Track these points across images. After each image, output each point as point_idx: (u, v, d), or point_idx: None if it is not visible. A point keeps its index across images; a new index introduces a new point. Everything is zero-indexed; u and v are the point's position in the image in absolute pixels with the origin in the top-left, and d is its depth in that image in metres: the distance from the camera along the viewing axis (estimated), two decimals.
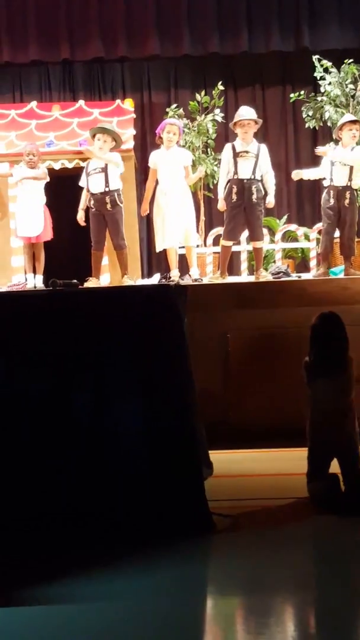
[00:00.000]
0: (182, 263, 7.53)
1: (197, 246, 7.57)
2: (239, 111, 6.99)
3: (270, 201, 6.91)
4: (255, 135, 6.98)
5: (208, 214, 9.34)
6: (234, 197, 6.71)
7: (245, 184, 6.71)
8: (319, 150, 7.21)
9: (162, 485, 3.85)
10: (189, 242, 7.10)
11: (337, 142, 7.13)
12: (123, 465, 3.87)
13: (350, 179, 6.81)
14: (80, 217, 7.16)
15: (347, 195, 6.79)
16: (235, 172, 6.72)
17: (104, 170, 7.01)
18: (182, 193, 7.03)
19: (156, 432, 3.88)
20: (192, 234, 7.10)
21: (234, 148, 6.79)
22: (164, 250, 7.21)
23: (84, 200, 7.14)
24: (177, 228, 6.97)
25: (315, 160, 8.38)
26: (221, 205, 6.92)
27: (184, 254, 7.40)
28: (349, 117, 7.22)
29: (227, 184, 6.78)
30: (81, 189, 7.18)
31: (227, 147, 6.89)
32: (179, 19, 10.04)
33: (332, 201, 6.77)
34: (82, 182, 7.17)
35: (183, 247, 7.24)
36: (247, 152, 6.74)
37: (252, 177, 6.73)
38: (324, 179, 6.92)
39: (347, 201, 6.80)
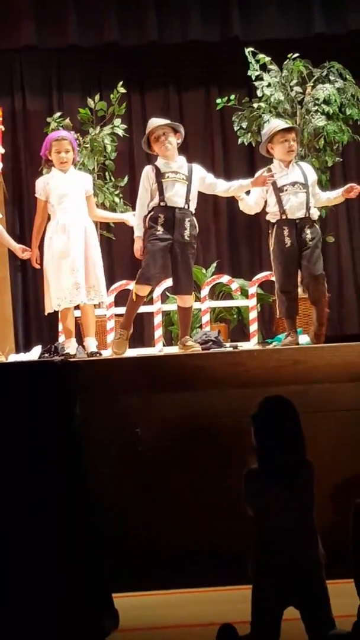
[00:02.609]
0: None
1: (97, 306, 7.55)
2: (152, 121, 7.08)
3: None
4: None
5: (107, 262, 9.38)
6: (159, 230, 6.78)
7: (177, 214, 6.82)
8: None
9: None
10: (94, 298, 7.13)
11: (270, 161, 7.21)
12: None
13: (308, 208, 6.91)
14: None
15: (307, 230, 6.87)
16: (162, 199, 6.81)
17: None
18: (85, 231, 7.10)
19: (33, 568, 3.84)
20: (100, 288, 7.14)
21: (156, 168, 6.87)
22: (54, 313, 7.18)
23: None
24: (80, 280, 6.97)
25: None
26: (139, 247, 6.87)
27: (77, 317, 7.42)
28: (279, 123, 7.26)
29: (149, 213, 6.85)
30: None
31: (147, 169, 6.95)
32: None
33: (288, 241, 6.82)
34: None
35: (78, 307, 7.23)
36: (176, 172, 6.87)
37: (186, 206, 6.85)
38: (268, 212, 7.00)
39: (308, 237, 6.86)
